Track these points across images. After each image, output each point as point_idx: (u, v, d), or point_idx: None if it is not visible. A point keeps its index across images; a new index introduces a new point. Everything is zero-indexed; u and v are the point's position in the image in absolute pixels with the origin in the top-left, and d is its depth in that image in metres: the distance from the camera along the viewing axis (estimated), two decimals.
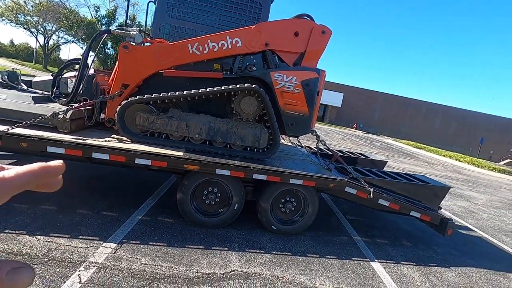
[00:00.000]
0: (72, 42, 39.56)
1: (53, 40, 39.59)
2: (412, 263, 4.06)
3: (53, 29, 36.81)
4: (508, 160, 37.58)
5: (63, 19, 34.83)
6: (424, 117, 42.24)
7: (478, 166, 20.18)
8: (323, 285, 3.16)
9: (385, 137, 36.30)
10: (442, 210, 5.50)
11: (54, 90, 4.17)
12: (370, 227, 5.04)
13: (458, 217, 6.94)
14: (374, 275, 3.55)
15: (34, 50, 43.28)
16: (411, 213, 4.32)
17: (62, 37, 39.81)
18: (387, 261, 3.96)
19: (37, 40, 38.39)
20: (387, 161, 7.02)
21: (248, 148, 4.05)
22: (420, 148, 26.32)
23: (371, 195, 4.00)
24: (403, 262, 4.03)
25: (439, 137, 41.04)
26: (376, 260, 3.92)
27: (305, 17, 4.15)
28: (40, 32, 36.87)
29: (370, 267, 3.71)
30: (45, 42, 37.76)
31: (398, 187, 4.57)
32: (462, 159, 21.95)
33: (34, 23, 35.58)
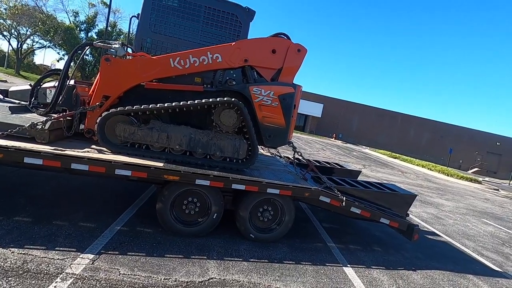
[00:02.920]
0: (48, 47, 38.27)
1: (28, 44, 38.14)
2: (381, 267, 4.31)
3: (28, 33, 35.53)
4: (476, 169, 40.02)
5: (39, 23, 33.76)
6: (399, 128, 44.28)
7: (447, 175, 21.37)
8: None
9: (363, 146, 37.60)
10: (410, 216, 5.88)
11: (32, 100, 4.15)
12: (344, 234, 5.29)
13: (426, 223, 7.38)
14: (346, 279, 3.76)
15: (6, 54, 41.42)
16: (381, 220, 4.60)
17: (37, 42, 38.45)
18: (359, 266, 4.19)
19: (10, 44, 36.87)
20: (361, 171, 7.40)
21: (228, 159, 4.19)
22: (395, 158, 27.49)
23: (344, 203, 4.25)
24: (373, 267, 4.28)
25: (413, 146, 43.07)
26: (348, 265, 4.13)
27: (282, 35, 4.43)
28: (13, 36, 35.47)
29: (342, 272, 3.92)
30: (19, 46, 36.31)
31: (369, 195, 4.86)
32: (433, 168, 23.16)
33: (7, 26, 34.22)
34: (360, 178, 6.61)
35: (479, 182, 21.22)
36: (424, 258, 5.03)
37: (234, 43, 4.18)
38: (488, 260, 5.72)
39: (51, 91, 4.12)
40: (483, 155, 43.24)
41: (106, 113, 3.79)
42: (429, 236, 6.36)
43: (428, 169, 23.06)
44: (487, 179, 28.28)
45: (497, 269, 5.36)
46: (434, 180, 17.85)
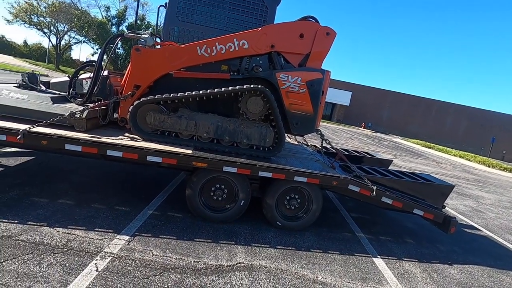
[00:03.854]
0: (83, 42, 40.44)
1: (65, 40, 40.54)
2: (414, 260, 4.14)
3: (65, 29, 37.67)
4: None
5: (75, 19, 35.62)
6: (434, 116, 41.61)
7: (489, 166, 19.84)
8: (325, 278, 3.28)
9: (394, 136, 35.93)
10: (446, 208, 5.55)
11: (71, 91, 4.40)
12: (373, 224, 5.13)
13: (464, 216, 6.94)
14: (376, 270, 3.66)
15: (47, 50, 44.33)
16: (414, 211, 4.39)
17: (73, 37, 40.76)
18: (390, 257, 4.06)
19: (50, 41, 39.38)
20: (392, 160, 7.07)
21: (254, 147, 4.19)
22: (429, 147, 26.00)
23: (374, 192, 4.10)
24: (405, 259, 4.12)
25: (450, 136, 40.37)
26: (378, 256, 4.02)
27: (310, 19, 4.26)
28: (53, 32, 37.80)
29: (372, 263, 3.82)
30: (57, 42, 38.69)
31: (402, 185, 4.64)
32: (472, 159, 21.61)
33: (47, 23, 36.48)
34: (391, 168, 6.33)
35: None
36: (461, 252, 4.75)
37: (260, 28, 4.09)
38: None
39: (87, 82, 4.33)
40: None
41: (137, 102, 3.92)
42: (467, 230, 5.98)
43: (467, 159, 21.56)
44: None
45: None
46: (474, 172, 16.67)
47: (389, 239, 4.66)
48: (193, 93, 3.92)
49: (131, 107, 3.93)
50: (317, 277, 3.28)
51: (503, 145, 37.70)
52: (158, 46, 4.17)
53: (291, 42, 4.13)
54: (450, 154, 23.31)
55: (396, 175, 4.93)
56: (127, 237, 3.32)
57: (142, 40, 4.03)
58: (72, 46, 44.28)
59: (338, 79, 38.55)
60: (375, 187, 4.12)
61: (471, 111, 41.69)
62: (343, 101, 39.42)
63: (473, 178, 14.10)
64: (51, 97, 3.97)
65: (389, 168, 6.14)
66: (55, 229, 3.23)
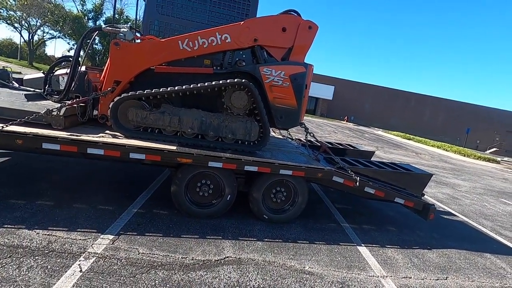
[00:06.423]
0: (58, 37, 38.68)
1: (38, 35, 38.65)
2: (396, 246, 4.31)
3: (38, 24, 35.86)
4: (495, 149, 38.74)
5: (48, 14, 33.96)
6: (413, 108, 43.01)
7: (464, 155, 20.82)
8: (312, 268, 3.36)
9: (376, 129, 36.91)
10: (425, 196, 5.79)
11: (46, 87, 4.21)
12: (357, 214, 5.28)
13: (442, 203, 7.27)
14: (361, 258, 3.78)
15: (19, 46, 42.10)
16: (395, 200, 4.55)
17: (47, 33, 38.92)
18: (373, 245, 4.20)
19: (21, 36, 37.42)
20: (374, 151, 7.27)
21: (239, 141, 4.18)
22: (409, 139, 26.92)
23: (357, 183, 4.21)
24: (388, 246, 4.27)
25: (428, 127, 41.90)
26: (362, 245, 4.14)
27: (292, 12, 4.27)
28: (24, 27, 35.90)
29: (356, 251, 3.94)
30: (30, 37, 36.79)
31: (383, 175, 4.79)
32: (449, 149, 22.59)
33: (18, 18, 34.60)
34: (373, 159, 6.51)
35: (498, 162, 20.61)
36: (439, 237, 4.98)
37: (242, 22, 4.06)
38: (507, 239, 5.61)
39: (63, 78, 4.16)
40: (502, 134, 41.65)
41: (117, 98, 3.81)
42: (445, 216, 6.27)
43: (444, 149, 22.51)
44: (506, 159, 27.38)
45: None
46: (450, 161, 17.44)
47: (372, 227, 4.82)
48: (176, 88, 3.86)
49: (112, 103, 3.81)
50: (304, 267, 3.34)
51: (477, 135, 39.62)
52: (138, 41, 4.06)
53: (274, 36, 4.13)
54: (428, 145, 24.24)
55: (378, 166, 5.08)
56: (111, 237, 3.25)
57: (121, 34, 3.90)
58: (46, 42, 42.26)
59: (321, 73, 38.99)
60: (358, 178, 4.23)
61: (448, 103, 43.41)
62: (326, 95, 39.97)
63: (450, 167, 14.75)
64: (25, 94, 3.79)
65: (371, 159, 6.32)
66: (35, 231, 3.12)
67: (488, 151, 37.17)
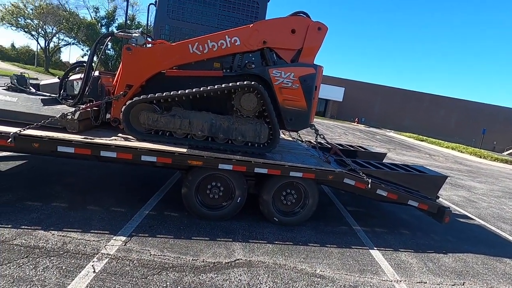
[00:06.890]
0: (73, 44, 39.89)
1: (54, 42, 39.97)
2: (410, 250, 4.20)
3: (54, 31, 37.09)
4: None
5: (63, 21, 35.08)
6: (426, 109, 42.15)
7: (480, 157, 20.20)
8: (323, 271, 3.31)
9: (388, 130, 36.30)
10: (440, 199, 5.64)
11: (61, 92, 4.33)
12: (369, 217, 5.19)
13: (458, 206, 7.06)
14: (373, 262, 3.70)
15: (35, 53, 43.57)
16: (409, 202, 4.44)
17: (62, 39, 40.21)
18: (386, 249, 4.11)
19: (38, 43, 38.77)
20: (386, 153, 7.14)
21: (249, 143, 4.19)
22: (422, 140, 26.33)
23: (369, 185, 4.14)
24: (401, 249, 4.17)
25: (442, 129, 40.95)
26: (375, 248, 4.06)
27: (301, 14, 4.26)
28: (41, 35, 37.20)
29: (369, 255, 3.86)
30: (46, 44, 38.06)
31: (396, 177, 4.70)
32: (464, 150, 21.97)
33: (34, 26, 35.89)
34: (385, 161, 6.39)
35: None
36: (455, 241, 4.83)
37: (251, 25, 4.08)
38: None
39: (77, 83, 4.27)
40: None
41: (129, 101, 3.88)
42: (461, 220, 6.09)
43: (459, 151, 21.90)
44: None
45: None
46: (466, 163, 16.95)
47: (385, 231, 4.72)
48: (186, 91, 3.90)
49: (124, 107, 3.89)
50: (315, 270, 3.30)
51: (493, 136, 38.42)
52: (149, 45, 4.13)
53: (283, 38, 4.13)
54: (442, 147, 23.65)
55: (390, 168, 4.99)
56: (124, 238, 3.30)
57: (133, 39, 3.98)
58: (61, 48, 43.69)
59: (330, 75, 38.74)
60: (370, 180, 4.16)
61: (462, 103, 42.34)
62: (336, 97, 39.65)
63: (465, 169, 14.34)
64: (41, 99, 3.90)
65: (383, 161, 6.21)
66: (50, 232, 3.19)
67: (505, 153, 35.94)
